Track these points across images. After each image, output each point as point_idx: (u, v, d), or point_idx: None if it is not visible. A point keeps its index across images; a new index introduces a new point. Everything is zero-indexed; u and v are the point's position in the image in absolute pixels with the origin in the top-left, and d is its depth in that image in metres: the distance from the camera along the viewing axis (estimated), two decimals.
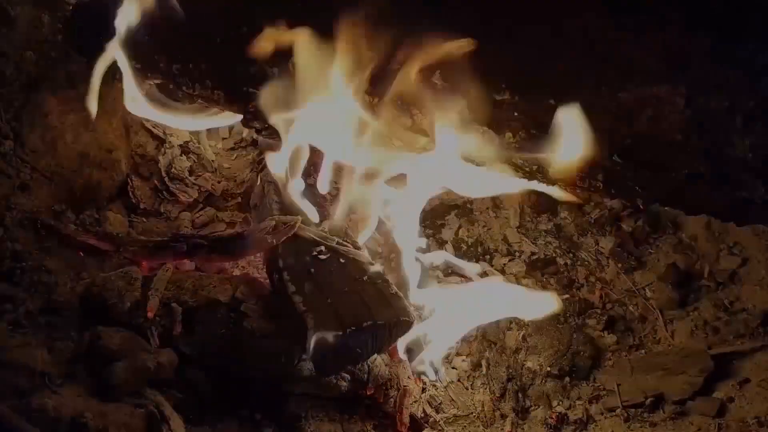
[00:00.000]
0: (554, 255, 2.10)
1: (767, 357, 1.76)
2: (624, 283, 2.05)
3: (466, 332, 1.88)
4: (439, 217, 2.20)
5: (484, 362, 1.85)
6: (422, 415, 1.74)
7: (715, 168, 1.40)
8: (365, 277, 1.65)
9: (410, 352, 1.81)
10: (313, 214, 1.79)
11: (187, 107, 1.93)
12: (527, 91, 1.44)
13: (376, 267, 1.70)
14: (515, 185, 1.56)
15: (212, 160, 2.26)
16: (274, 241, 1.66)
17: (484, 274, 2.07)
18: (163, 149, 2.15)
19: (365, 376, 1.68)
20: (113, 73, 1.87)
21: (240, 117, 1.82)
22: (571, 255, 2.11)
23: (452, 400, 1.80)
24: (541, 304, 1.85)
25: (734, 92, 1.35)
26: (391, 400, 1.71)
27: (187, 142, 2.24)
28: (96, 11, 1.84)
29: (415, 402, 1.73)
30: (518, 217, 2.18)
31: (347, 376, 1.67)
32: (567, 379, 1.84)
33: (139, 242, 1.80)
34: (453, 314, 1.83)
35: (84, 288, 1.64)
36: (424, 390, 1.77)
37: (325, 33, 1.49)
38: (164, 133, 2.19)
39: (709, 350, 1.80)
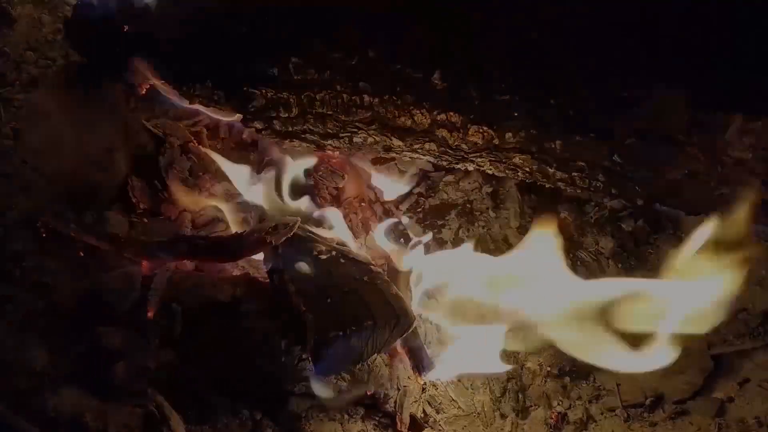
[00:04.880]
0: None
1: (767, 357, 1.76)
2: None
3: None
4: (439, 217, 2.20)
5: None
6: (422, 415, 1.74)
7: (714, 168, 1.40)
8: (365, 277, 1.66)
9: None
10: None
11: None
12: None
13: (376, 267, 1.70)
14: None
15: (212, 161, 2.25)
16: (274, 241, 1.66)
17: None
18: (163, 149, 2.15)
19: (365, 376, 1.68)
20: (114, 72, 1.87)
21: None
22: (571, 255, 2.10)
23: (452, 400, 1.80)
24: None
25: (734, 92, 1.35)
26: (391, 400, 1.71)
27: (187, 142, 2.23)
28: (97, 11, 1.84)
29: (415, 402, 1.73)
30: (518, 218, 2.17)
31: (347, 376, 1.68)
32: (567, 379, 1.83)
33: (139, 242, 1.80)
34: None
35: (84, 288, 1.64)
36: (424, 390, 1.77)
37: None
38: (164, 133, 2.18)
39: (709, 350, 1.80)
